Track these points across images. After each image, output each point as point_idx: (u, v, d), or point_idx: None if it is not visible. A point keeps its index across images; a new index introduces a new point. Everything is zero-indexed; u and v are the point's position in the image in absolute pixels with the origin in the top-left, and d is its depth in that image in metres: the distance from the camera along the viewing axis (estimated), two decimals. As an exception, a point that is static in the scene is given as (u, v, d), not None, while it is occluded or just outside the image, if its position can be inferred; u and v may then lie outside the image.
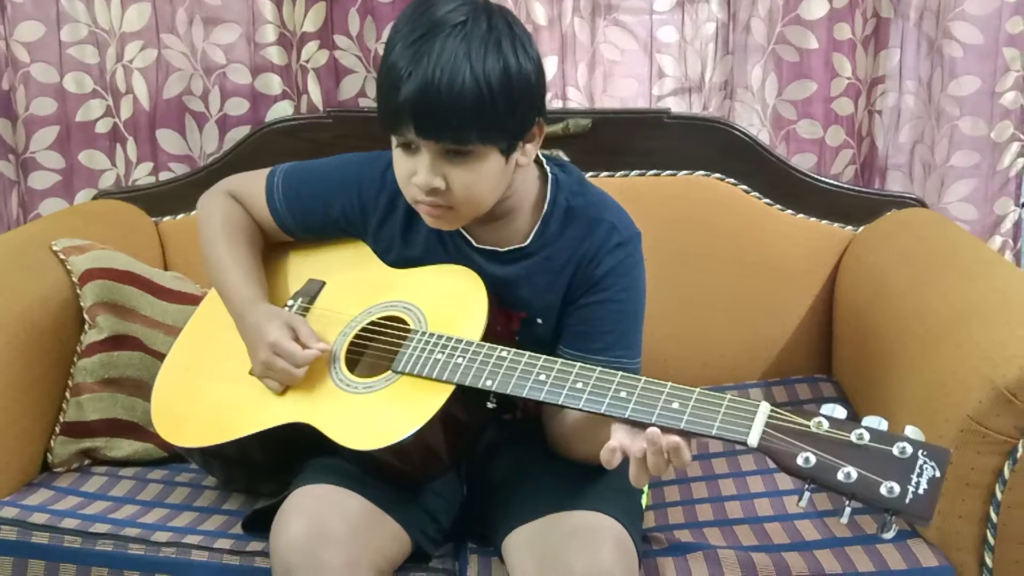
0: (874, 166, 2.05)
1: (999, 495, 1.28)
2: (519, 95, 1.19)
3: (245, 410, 1.36)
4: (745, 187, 1.93)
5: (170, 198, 2.02)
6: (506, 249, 1.33)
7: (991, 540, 1.30)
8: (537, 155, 1.32)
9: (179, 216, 2.03)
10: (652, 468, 1.07)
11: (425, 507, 1.33)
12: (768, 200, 1.94)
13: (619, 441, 1.09)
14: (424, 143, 1.18)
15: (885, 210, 1.92)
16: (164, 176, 2.09)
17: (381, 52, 1.27)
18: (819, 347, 1.92)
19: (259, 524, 1.33)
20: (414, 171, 1.21)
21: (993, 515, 1.29)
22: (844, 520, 0.99)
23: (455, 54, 1.14)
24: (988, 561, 1.30)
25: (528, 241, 1.32)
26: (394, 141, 1.24)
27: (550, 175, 1.34)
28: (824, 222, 1.94)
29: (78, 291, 1.66)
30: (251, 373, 1.38)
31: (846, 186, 1.96)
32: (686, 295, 1.88)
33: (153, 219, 2.03)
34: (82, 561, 1.36)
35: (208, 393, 1.43)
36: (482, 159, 1.20)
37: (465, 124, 1.16)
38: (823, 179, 1.95)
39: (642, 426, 1.09)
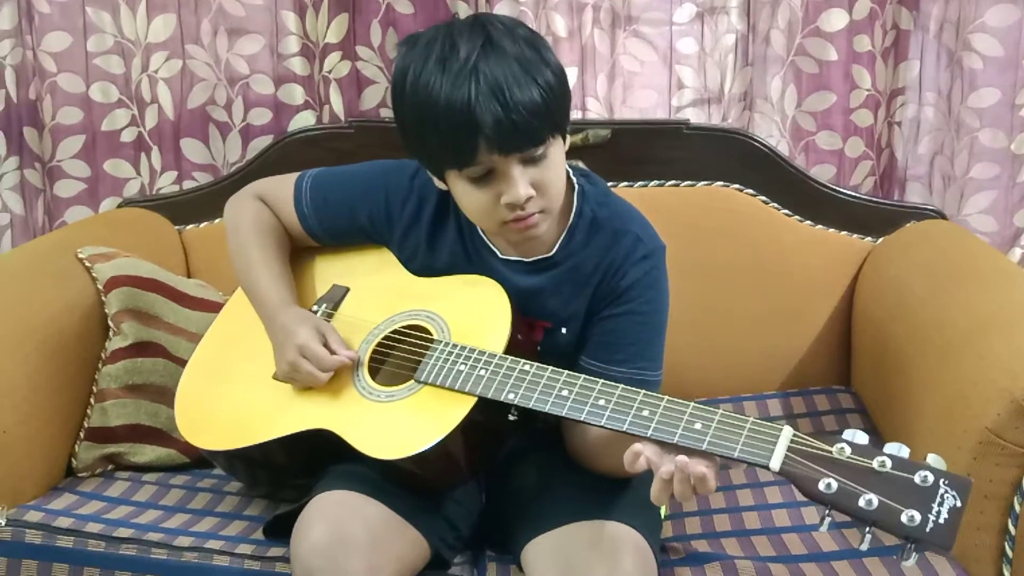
0: (893, 177, 2.05)
1: (1017, 507, 1.28)
2: (565, 83, 1.23)
3: (268, 414, 1.37)
4: (764, 198, 1.94)
5: (193, 207, 2.05)
6: (532, 259, 1.34)
7: (1009, 552, 1.29)
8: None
9: (202, 224, 2.05)
10: (678, 494, 1.07)
11: (444, 515, 1.33)
12: (787, 211, 1.94)
13: (645, 447, 1.08)
14: (506, 160, 1.19)
15: (904, 222, 1.92)
16: (188, 185, 2.11)
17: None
18: (838, 358, 1.92)
19: (280, 529, 1.34)
20: (497, 194, 1.22)
21: (1011, 527, 1.29)
22: (864, 547, 0.98)
23: (508, 68, 1.16)
24: (1006, 573, 1.30)
25: (554, 251, 1.33)
26: (457, 181, 1.24)
27: (576, 185, 1.35)
28: (843, 233, 1.94)
29: (103, 298, 1.68)
30: (275, 377, 1.40)
31: (865, 197, 1.96)
32: (705, 305, 1.89)
33: (177, 227, 2.05)
34: (105, 565, 1.38)
35: (232, 396, 1.44)
36: (553, 150, 1.23)
37: (542, 126, 1.19)
38: (842, 190, 1.96)
39: (670, 447, 1.09)
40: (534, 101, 1.17)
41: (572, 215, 1.33)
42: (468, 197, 1.25)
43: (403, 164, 1.40)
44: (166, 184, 2.11)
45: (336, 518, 1.23)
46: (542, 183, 1.22)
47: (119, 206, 2.08)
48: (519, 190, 1.20)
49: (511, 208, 1.22)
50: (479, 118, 1.15)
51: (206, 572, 1.36)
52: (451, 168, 1.24)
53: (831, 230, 1.94)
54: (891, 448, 1.01)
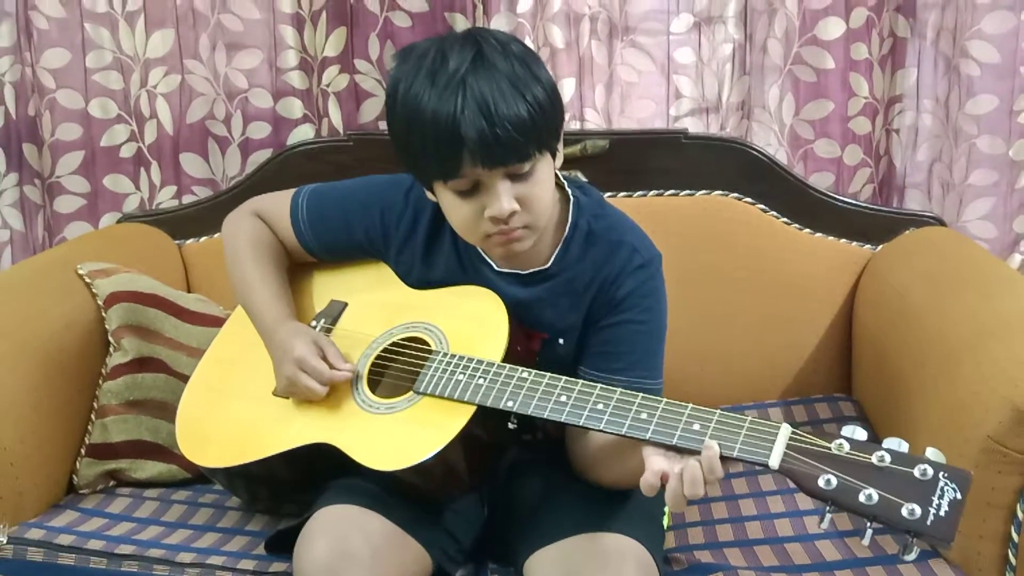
0: (892, 185, 2.05)
1: (1020, 515, 1.28)
2: (557, 101, 1.23)
3: (269, 430, 1.37)
4: (763, 207, 1.94)
5: (193, 221, 2.05)
6: (528, 272, 1.34)
7: (1012, 560, 1.29)
8: (558, 177, 1.34)
9: (202, 239, 2.05)
10: (688, 481, 1.06)
11: (446, 527, 1.33)
12: (786, 219, 1.94)
13: (659, 466, 1.08)
14: (490, 173, 1.19)
15: (903, 229, 1.92)
16: (187, 199, 2.11)
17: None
18: (838, 366, 1.91)
19: (282, 545, 1.34)
20: (482, 207, 1.22)
21: (1015, 535, 1.29)
22: (865, 542, 0.99)
23: (496, 83, 1.17)
24: (1010, 581, 1.30)
25: (549, 263, 1.33)
26: (444, 192, 1.25)
27: (571, 197, 1.35)
28: (843, 241, 1.94)
29: (103, 314, 1.68)
30: (275, 393, 1.40)
31: (864, 205, 1.96)
32: (705, 314, 1.89)
33: (177, 242, 2.05)
34: (108, 582, 1.38)
35: (232, 413, 1.44)
36: (542, 166, 1.23)
37: (528, 142, 1.19)
38: (841, 198, 1.96)
39: (675, 450, 1.09)
40: (520, 116, 1.17)
41: (567, 227, 1.33)
42: (454, 209, 1.26)
43: (398, 179, 1.40)
44: (166, 199, 2.12)
45: (338, 532, 1.23)
46: (527, 199, 1.22)
47: (119, 221, 2.08)
48: (503, 204, 1.20)
49: (494, 222, 1.22)
50: (463, 131, 1.16)
51: (208, 588, 1.36)
52: (437, 180, 1.24)
53: (830, 238, 1.94)
54: (890, 443, 1.01)
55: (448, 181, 1.22)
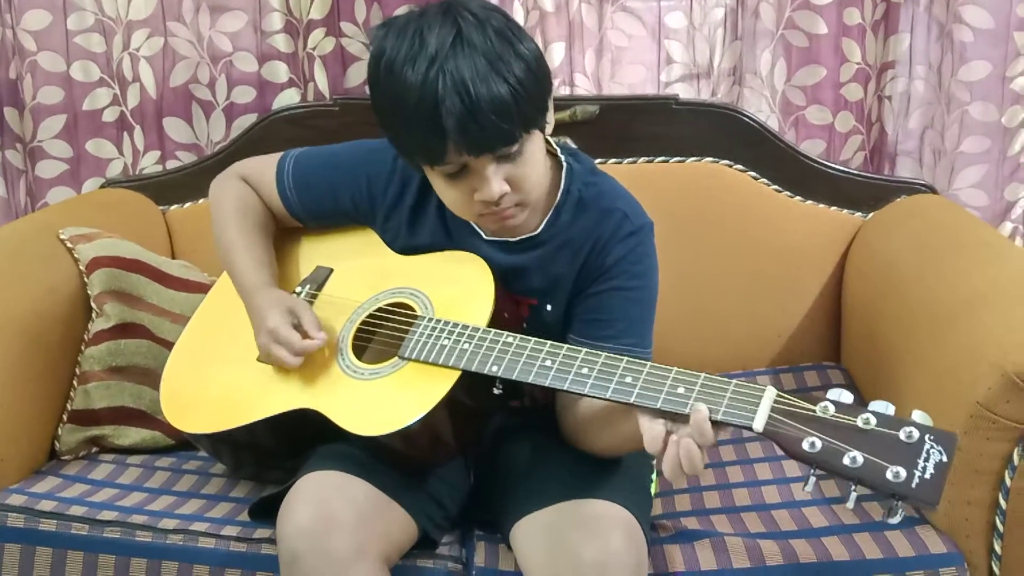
0: (884, 152, 2.03)
1: (1008, 481, 1.28)
2: (542, 75, 1.21)
3: (253, 396, 1.36)
4: (754, 173, 1.93)
5: (177, 187, 2.03)
6: (517, 239, 1.33)
7: (999, 526, 1.29)
8: (550, 144, 1.32)
9: (186, 204, 2.03)
10: (685, 458, 1.05)
11: (431, 493, 1.33)
12: (777, 187, 1.93)
13: (660, 428, 1.07)
14: (477, 159, 1.18)
15: (895, 196, 1.91)
16: (171, 164, 2.09)
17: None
18: (828, 334, 1.91)
19: (266, 511, 1.32)
20: (472, 189, 1.21)
21: (1002, 501, 1.28)
22: (850, 505, 0.98)
23: (475, 66, 1.13)
24: (996, 547, 1.30)
25: (540, 230, 1.32)
26: (433, 174, 1.24)
27: (563, 163, 1.33)
28: (833, 208, 1.93)
29: (85, 279, 1.66)
30: (259, 359, 1.39)
31: (855, 172, 1.95)
32: (694, 282, 1.88)
33: (160, 208, 2.03)
34: (90, 548, 1.37)
35: (217, 379, 1.43)
36: (530, 143, 1.21)
37: (512, 125, 1.17)
38: (832, 165, 1.94)
39: (666, 416, 1.08)
40: (502, 101, 1.14)
41: (559, 194, 1.32)
42: (444, 191, 1.25)
43: (385, 145, 1.38)
44: (149, 164, 2.09)
45: (321, 498, 1.22)
46: (517, 179, 1.21)
47: (102, 187, 2.06)
48: (492, 188, 1.19)
49: (485, 204, 1.21)
50: (445, 122, 1.13)
51: (191, 554, 1.35)
52: (424, 164, 1.23)
53: (821, 205, 1.93)
54: (876, 406, 1.01)
55: (435, 166, 1.21)
